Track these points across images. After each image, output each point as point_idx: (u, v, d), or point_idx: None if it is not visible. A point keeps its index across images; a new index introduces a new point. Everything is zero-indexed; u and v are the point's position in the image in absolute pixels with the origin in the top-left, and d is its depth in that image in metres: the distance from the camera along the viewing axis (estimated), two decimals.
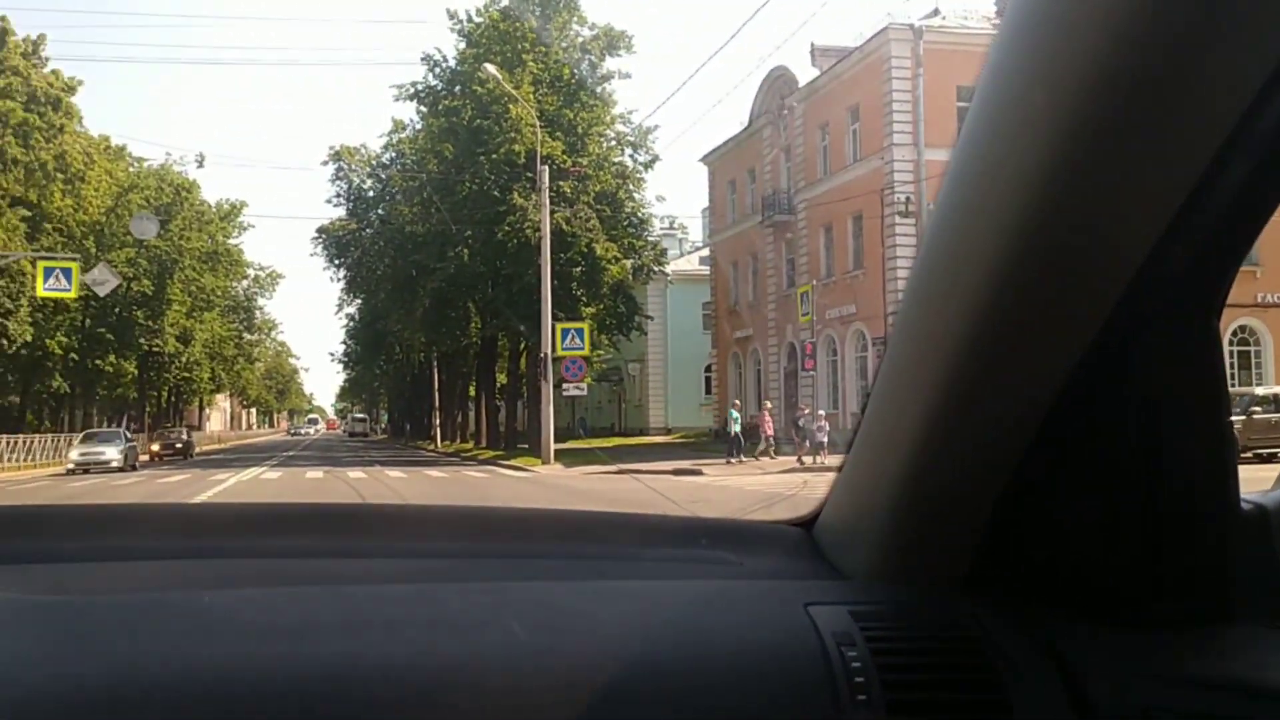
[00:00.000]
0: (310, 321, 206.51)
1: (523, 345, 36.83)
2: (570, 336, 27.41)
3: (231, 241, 56.34)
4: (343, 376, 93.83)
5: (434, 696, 0.95)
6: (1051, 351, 0.95)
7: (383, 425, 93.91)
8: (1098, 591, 1.03)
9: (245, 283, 63.02)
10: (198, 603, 1.06)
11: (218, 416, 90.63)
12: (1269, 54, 0.75)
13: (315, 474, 24.42)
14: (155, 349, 48.79)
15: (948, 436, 1.04)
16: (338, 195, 42.50)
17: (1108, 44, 0.76)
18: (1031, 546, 1.09)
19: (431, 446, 49.21)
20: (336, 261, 44.39)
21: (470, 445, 43.49)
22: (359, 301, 50.73)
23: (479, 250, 33.90)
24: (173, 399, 64.25)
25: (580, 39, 34.50)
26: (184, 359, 53.80)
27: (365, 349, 63.12)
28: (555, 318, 27.87)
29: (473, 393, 48.44)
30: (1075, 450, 1.02)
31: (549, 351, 27.36)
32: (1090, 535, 1.03)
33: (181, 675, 0.93)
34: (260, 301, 67.33)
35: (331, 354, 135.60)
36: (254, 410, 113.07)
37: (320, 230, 43.96)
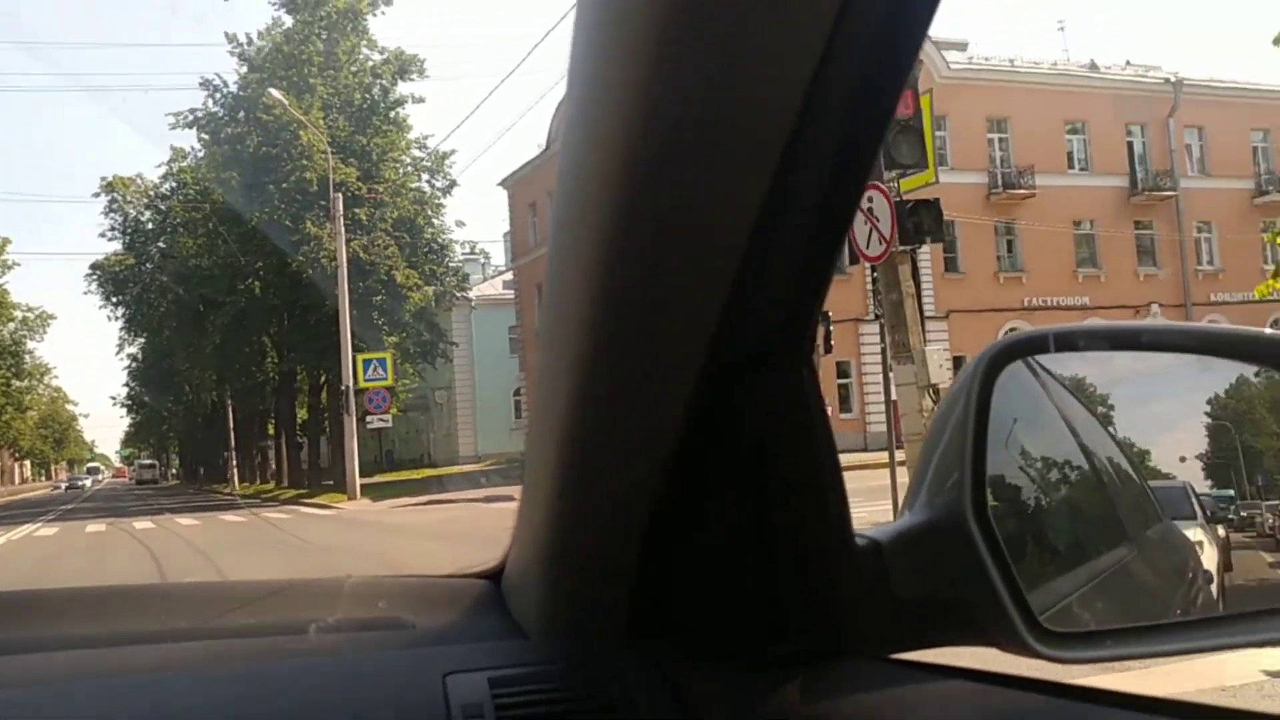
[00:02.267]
0: (88, 364, 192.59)
1: (323, 378, 35.56)
2: (373, 367, 26.63)
3: None
4: (127, 421, 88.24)
5: None
6: (657, 404, 0.96)
7: (174, 470, 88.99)
8: (725, 634, 1.04)
9: (11, 325, 58.40)
10: None
11: None
12: (790, 103, 0.76)
13: (97, 527, 22.57)
14: None
15: (583, 481, 1.03)
16: (112, 229, 39.83)
17: (647, 87, 0.77)
18: (670, 593, 1.09)
19: (228, 489, 46.71)
20: (114, 299, 41.56)
21: (271, 485, 41.61)
22: (141, 340, 47.86)
23: (272, 282, 32.58)
24: None
25: (370, 63, 33.67)
26: None
27: (151, 390, 59.35)
28: (356, 348, 27.02)
29: (272, 430, 46.41)
30: (696, 498, 1.02)
31: (350, 384, 26.50)
32: (714, 579, 1.04)
33: None
34: (30, 345, 62.51)
35: (114, 398, 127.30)
36: (28, 463, 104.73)
37: (94, 266, 41.16)
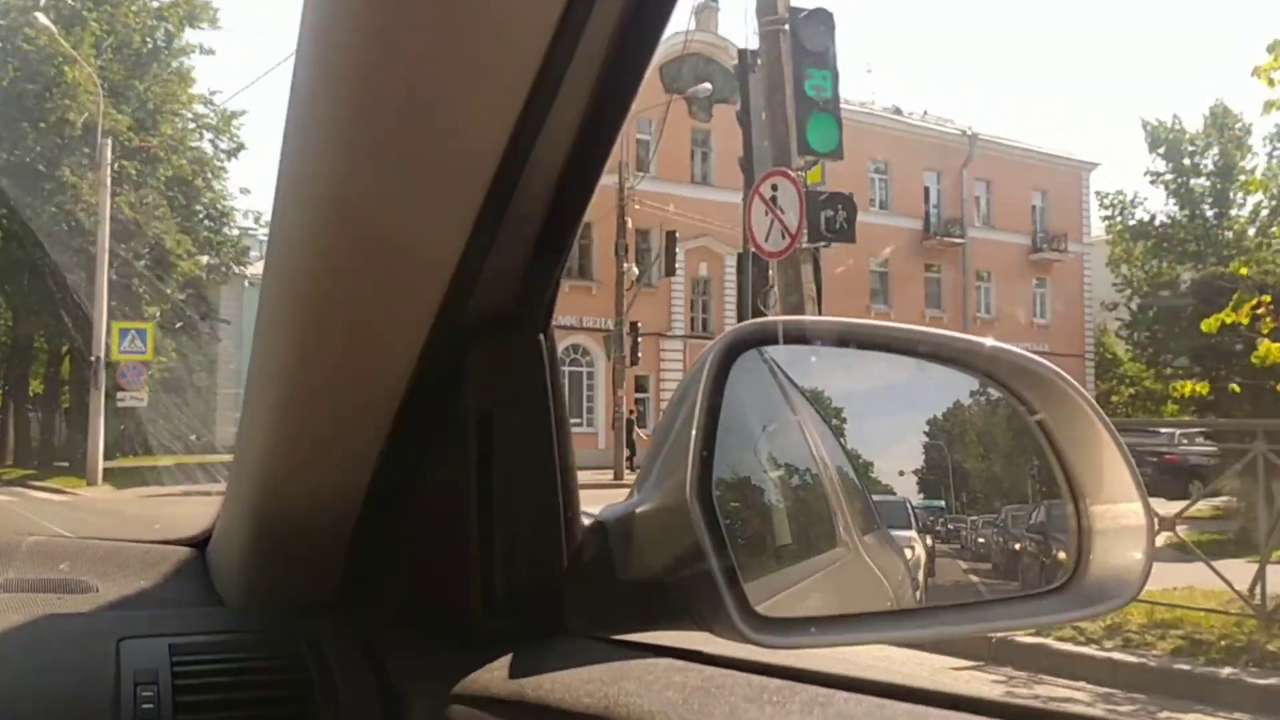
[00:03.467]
0: None
1: (66, 348, 31.73)
2: (130, 338, 23.74)
3: None
4: None
5: None
6: (382, 368, 0.95)
7: None
8: (439, 611, 1.03)
9: None
10: None
11: None
12: (521, 77, 0.77)
13: None
14: None
15: (298, 457, 1.02)
16: None
17: (374, 66, 0.78)
18: (387, 567, 1.09)
19: None
20: None
21: None
22: None
23: (16, 233, 28.76)
24: None
25: (155, 4, 30.44)
26: None
27: None
28: (112, 316, 24.03)
29: None
30: (418, 468, 1.03)
31: (101, 354, 23.51)
32: (431, 554, 1.04)
33: None
34: None
35: None
36: None
37: None
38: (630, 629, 0.98)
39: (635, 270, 27.41)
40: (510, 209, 0.87)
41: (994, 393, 1.05)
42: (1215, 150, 44.82)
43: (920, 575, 1.05)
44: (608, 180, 30.33)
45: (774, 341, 1.01)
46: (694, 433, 0.89)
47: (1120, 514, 0.98)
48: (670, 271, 26.58)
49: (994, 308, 39.23)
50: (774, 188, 8.87)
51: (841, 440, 1.05)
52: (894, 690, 0.78)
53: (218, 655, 1.04)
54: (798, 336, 1.05)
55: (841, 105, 36.76)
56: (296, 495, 1.06)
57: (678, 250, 31.81)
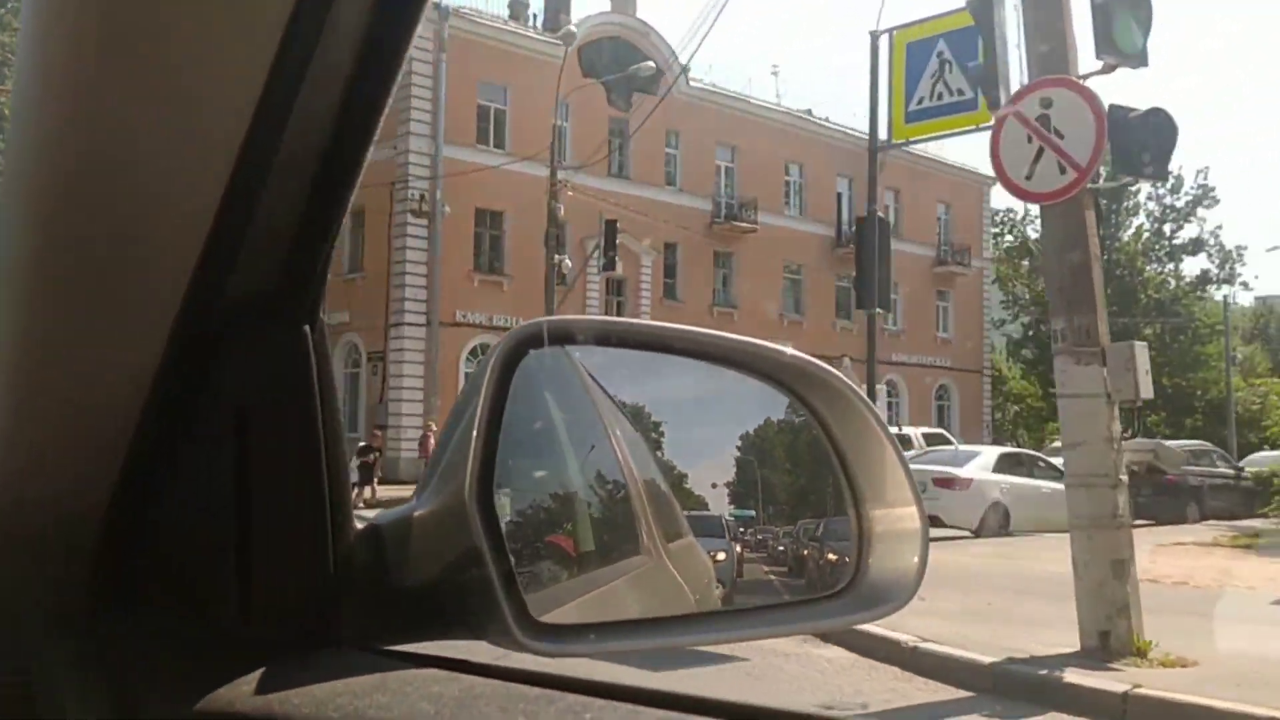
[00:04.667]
0: None
1: None
2: None
3: None
4: None
5: None
6: (128, 358, 0.89)
7: None
8: (197, 620, 0.95)
9: None
10: None
11: None
12: (259, 64, 0.74)
13: None
14: None
15: (35, 457, 0.95)
16: None
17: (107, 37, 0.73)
18: (140, 573, 1.00)
19: None
20: None
21: None
22: None
23: None
24: None
25: None
26: None
27: None
28: None
29: None
30: (171, 470, 0.96)
31: None
32: (185, 561, 0.97)
33: None
34: None
35: None
36: None
37: None
38: (405, 638, 0.95)
39: (569, 263, 25.11)
40: (269, 183, 0.82)
41: (794, 402, 1.05)
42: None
43: (721, 581, 1.06)
44: (527, 168, 28.12)
45: (565, 341, 0.99)
46: (475, 434, 0.85)
47: (897, 518, 1.00)
48: (611, 266, 24.38)
49: (901, 320, 38.38)
50: (1045, 104, 6.31)
51: (650, 445, 1.05)
52: (651, 697, 0.78)
53: None
54: (593, 338, 1.03)
55: (758, 99, 34.74)
56: (32, 496, 0.97)
57: (589, 249, 29.77)
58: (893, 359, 37.35)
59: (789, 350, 1.03)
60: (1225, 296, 46.63)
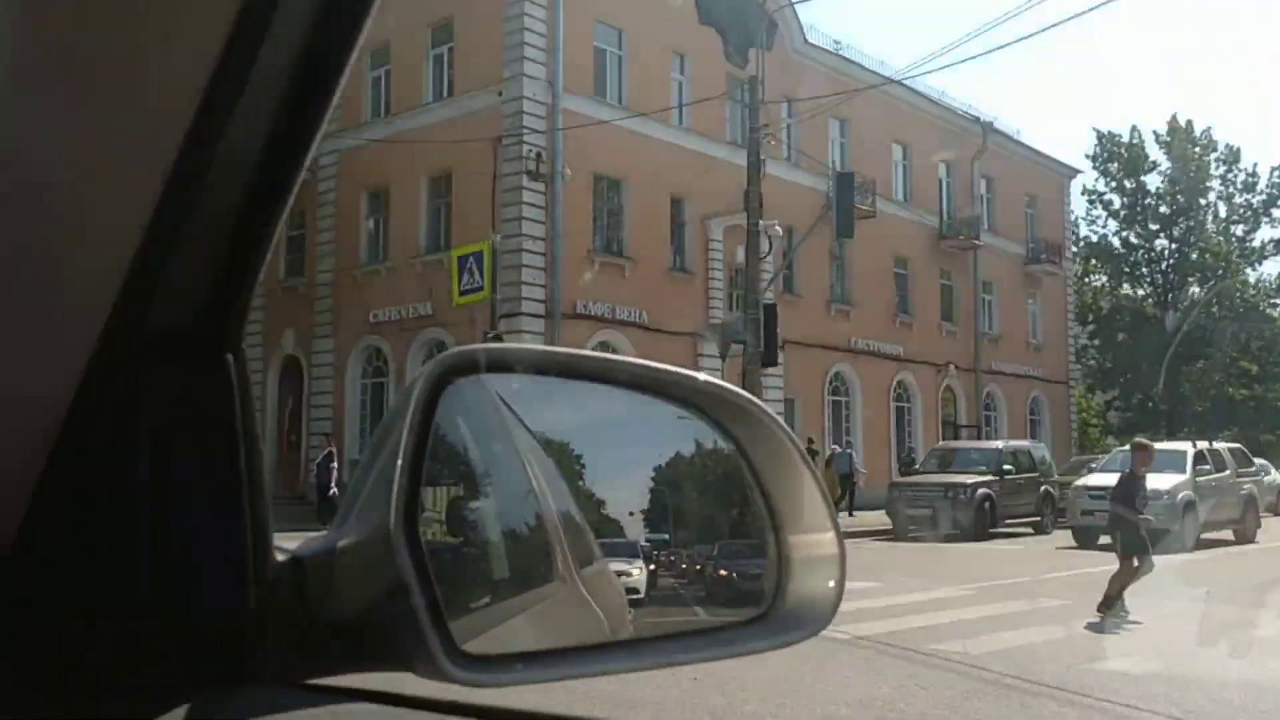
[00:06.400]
0: None
1: None
2: None
3: None
4: None
5: None
6: (43, 386, 0.87)
7: None
8: (114, 652, 0.90)
9: None
10: None
11: None
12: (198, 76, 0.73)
13: None
14: None
15: None
16: None
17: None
18: (42, 606, 0.94)
19: None
20: None
21: None
22: None
23: None
24: None
25: None
26: None
27: None
28: None
29: None
30: (84, 498, 0.92)
31: None
32: (92, 589, 0.92)
33: None
34: None
35: None
36: None
37: None
38: (327, 672, 0.94)
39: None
40: (195, 211, 0.81)
41: (713, 429, 1.05)
42: (1175, 167, 42.83)
43: (633, 608, 1.06)
44: (644, 126, 22.63)
45: (489, 369, 1.00)
46: (399, 463, 0.85)
47: (815, 544, 1.00)
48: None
49: (997, 324, 34.21)
50: None
51: (567, 472, 1.07)
52: None
53: None
54: (508, 365, 1.03)
55: (865, 64, 29.55)
56: None
57: (713, 231, 24.87)
58: (993, 367, 33.30)
59: (703, 377, 1.03)
60: None
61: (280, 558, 0.94)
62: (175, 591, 0.91)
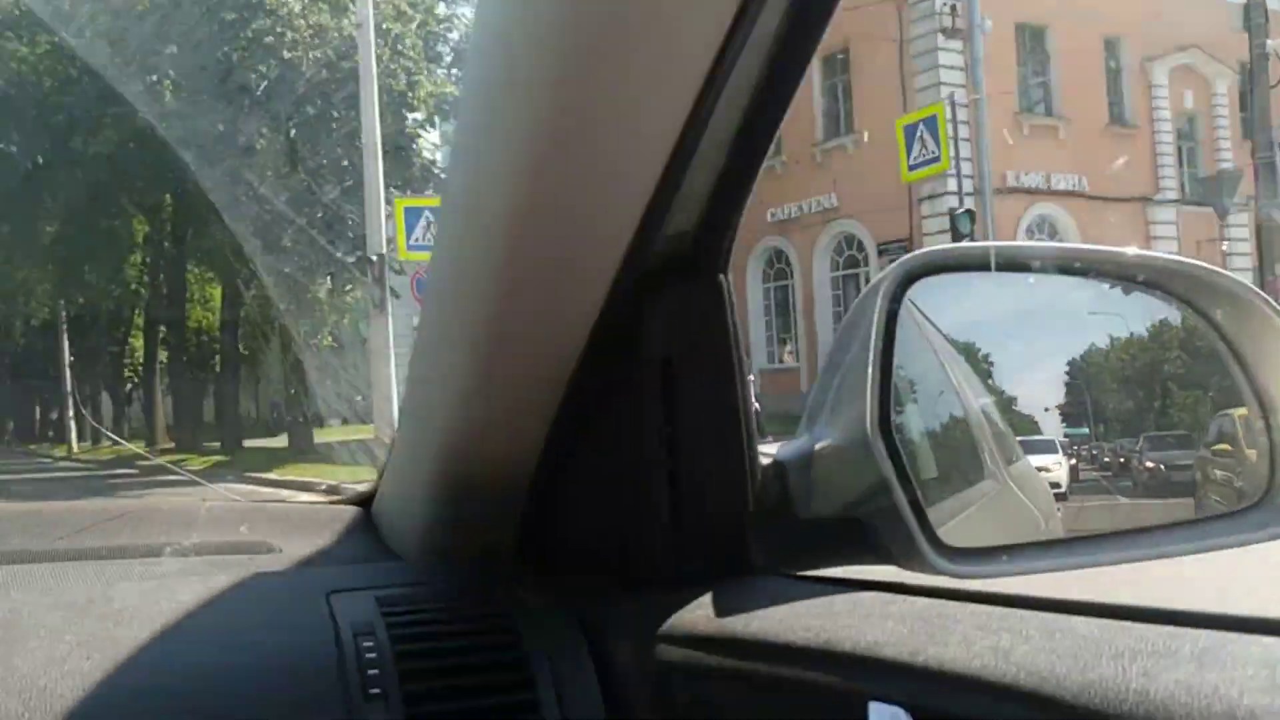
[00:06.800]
0: None
1: (247, 278, 22.07)
2: (424, 222, 13.99)
3: None
4: None
5: None
6: (563, 318, 0.97)
7: None
8: (628, 555, 1.05)
9: None
10: None
11: None
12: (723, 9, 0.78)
13: None
14: None
15: (476, 406, 1.04)
16: None
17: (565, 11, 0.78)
18: (568, 516, 1.11)
19: (63, 452, 32.01)
20: None
21: (140, 445, 27.54)
22: None
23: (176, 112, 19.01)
24: None
25: None
26: None
27: None
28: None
29: (136, 360, 32.10)
30: (597, 416, 1.04)
31: (383, 250, 13.85)
32: (616, 500, 1.05)
33: None
34: None
35: None
36: None
37: None
38: (814, 566, 0.99)
39: None
40: (693, 162, 0.87)
41: (1165, 312, 1.04)
42: None
43: (1058, 502, 1.03)
44: None
45: (952, 269, 1.00)
46: (870, 366, 0.88)
47: None
48: None
49: None
50: None
51: (979, 369, 1.06)
52: (1137, 613, 0.75)
53: (419, 607, 1.05)
54: (967, 264, 1.04)
55: None
56: (476, 448, 1.07)
57: (1156, 75, 21.18)
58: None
59: (1184, 259, 1.01)
60: None
61: (763, 461, 1.00)
62: (689, 498, 0.99)
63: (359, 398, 16.07)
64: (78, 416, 34.43)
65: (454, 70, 20.82)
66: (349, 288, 21.70)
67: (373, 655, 0.98)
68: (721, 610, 0.94)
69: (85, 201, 21.93)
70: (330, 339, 21.19)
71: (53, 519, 1.31)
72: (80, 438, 33.38)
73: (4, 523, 1.31)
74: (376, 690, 0.95)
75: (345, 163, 19.93)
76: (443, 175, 21.34)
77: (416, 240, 13.96)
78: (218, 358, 26.68)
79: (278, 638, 1.00)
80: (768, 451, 1.00)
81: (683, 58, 0.79)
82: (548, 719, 0.98)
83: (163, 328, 27.10)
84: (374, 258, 13.80)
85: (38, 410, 45.90)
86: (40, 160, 22.29)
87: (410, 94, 19.39)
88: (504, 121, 0.86)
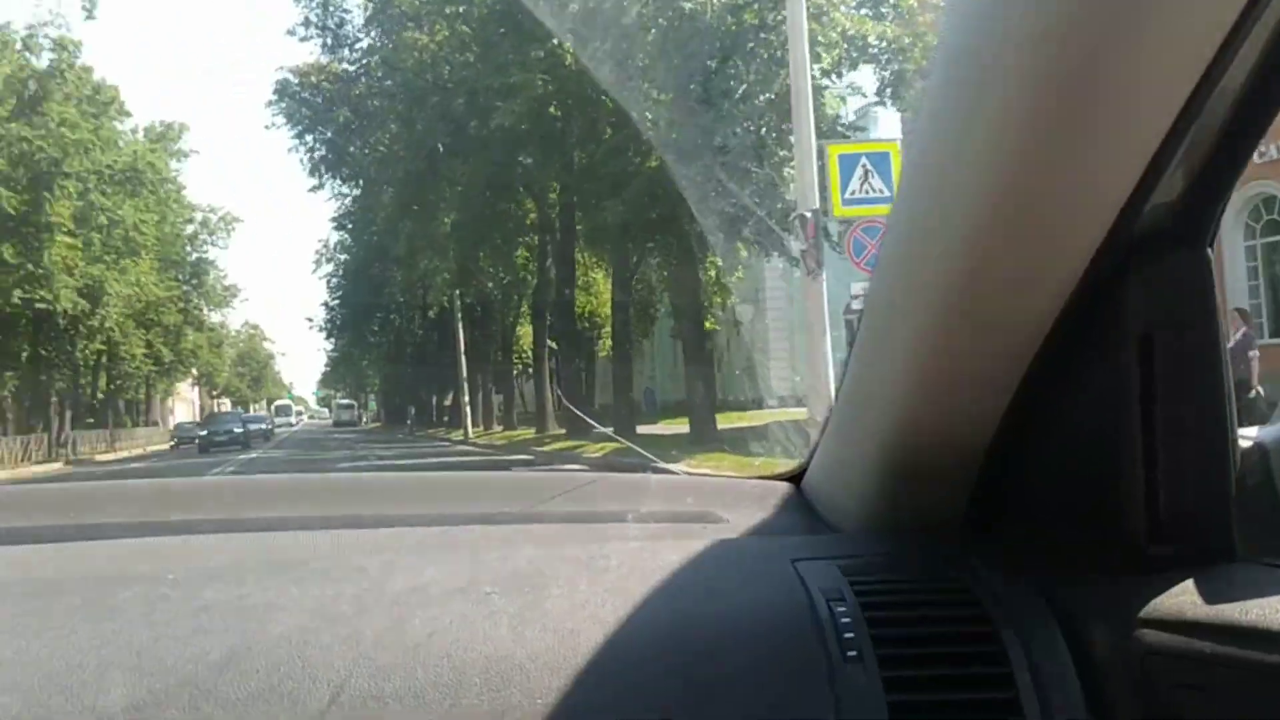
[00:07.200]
0: (281, 287, 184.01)
1: (663, 250, 20.94)
2: (861, 172, 11.64)
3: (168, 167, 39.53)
4: (322, 362, 78.30)
5: (406, 670, 0.94)
6: (1039, 288, 0.95)
7: (372, 413, 78.20)
8: (1094, 535, 1.01)
9: (191, 227, 46.38)
10: (162, 581, 1.05)
11: (184, 409, 72.64)
12: None
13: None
14: (41, 304, 31.14)
15: (935, 383, 1.04)
16: (305, 22, 26.08)
17: None
18: (1025, 491, 1.10)
19: (459, 435, 33.10)
20: (307, 131, 27.66)
21: (530, 432, 27.60)
22: (345, 238, 34.63)
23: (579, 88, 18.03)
24: (112, 385, 46.52)
25: None
26: (94, 323, 36.08)
27: (353, 312, 45.88)
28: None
29: (525, 348, 32.50)
30: (1067, 392, 1.01)
31: (815, 205, 11.70)
32: (1085, 477, 1.02)
33: (140, 654, 0.93)
34: (212, 254, 51.12)
35: (310, 320, 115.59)
36: (227, 400, 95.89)
37: (283, 87, 27.33)
38: None
39: None
40: (1192, 130, 0.84)
41: None
42: None
43: None
44: None
45: None
46: None
47: None
48: None
49: None
50: None
51: None
52: None
53: (884, 576, 1.07)
54: None
55: None
56: (929, 421, 1.06)
57: None
58: None
59: None
60: None
61: (1243, 443, 0.96)
62: (1165, 477, 0.94)
63: (797, 378, 14.25)
64: (472, 403, 35.69)
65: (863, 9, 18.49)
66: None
67: (847, 620, 1.01)
68: (1206, 597, 0.89)
69: (481, 185, 21.74)
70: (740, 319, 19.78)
71: (526, 487, 1.51)
72: (474, 424, 34.40)
73: (491, 489, 1.52)
74: (854, 653, 0.98)
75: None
76: (845, 132, 19.32)
77: (853, 194, 11.70)
78: (604, 343, 26.03)
79: (756, 596, 1.05)
80: (1247, 435, 0.97)
81: (1200, 22, 0.75)
82: (1025, 700, 0.96)
83: (548, 315, 26.83)
84: (808, 214, 11.67)
85: (434, 398, 48.78)
86: (440, 147, 22.37)
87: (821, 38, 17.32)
88: (987, 110, 0.84)
